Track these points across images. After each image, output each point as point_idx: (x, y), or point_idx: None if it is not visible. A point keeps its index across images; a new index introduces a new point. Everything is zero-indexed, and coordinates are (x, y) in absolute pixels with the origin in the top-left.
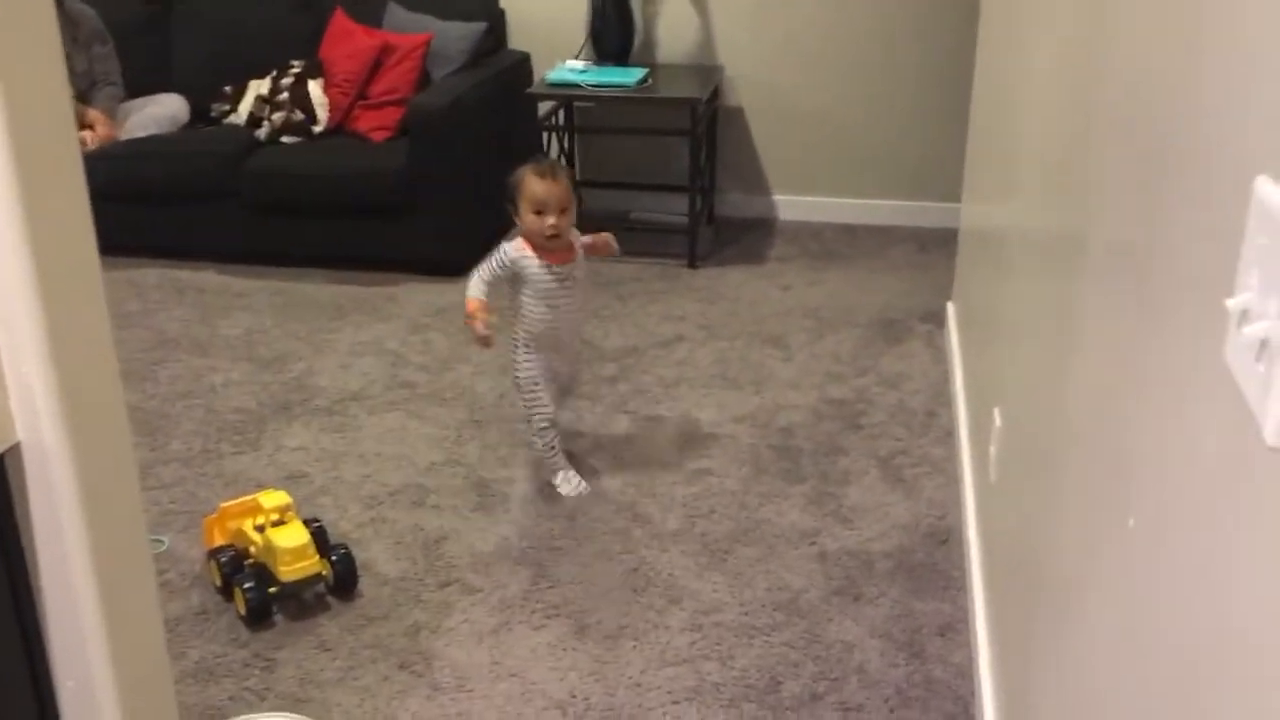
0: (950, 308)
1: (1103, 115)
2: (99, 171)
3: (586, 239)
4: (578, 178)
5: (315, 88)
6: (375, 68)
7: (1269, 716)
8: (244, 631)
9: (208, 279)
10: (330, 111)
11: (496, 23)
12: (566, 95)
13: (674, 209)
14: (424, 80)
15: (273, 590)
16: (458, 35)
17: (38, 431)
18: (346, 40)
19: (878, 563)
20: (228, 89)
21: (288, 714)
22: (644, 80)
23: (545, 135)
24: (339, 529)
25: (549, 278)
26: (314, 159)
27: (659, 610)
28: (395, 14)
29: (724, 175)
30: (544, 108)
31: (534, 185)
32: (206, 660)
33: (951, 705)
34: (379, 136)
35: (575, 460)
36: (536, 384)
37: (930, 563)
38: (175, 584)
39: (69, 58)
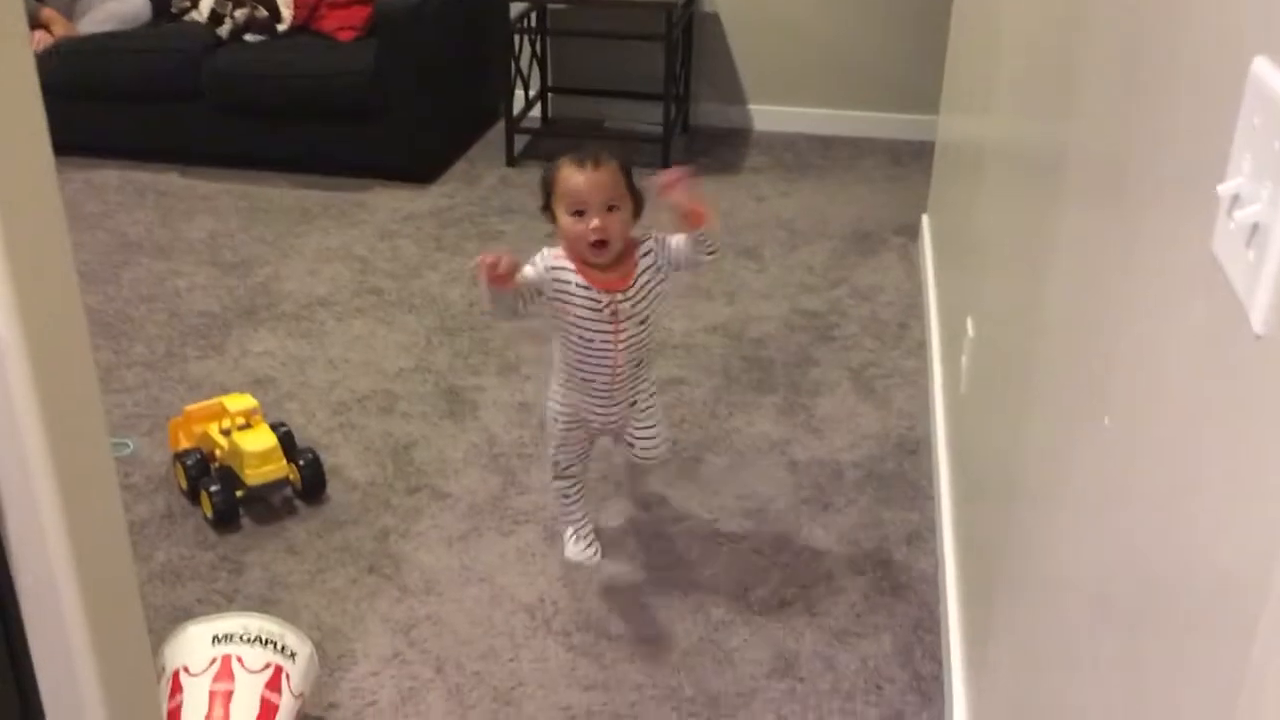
0: (925, 220)
1: (1086, 15)
2: (56, 69)
3: (679, 195)
4: (549, 83)
5: None
6: None
7: (1242, 608)
8: (211, 534)
9: (170, 181)
10: (295, 9)
11: None
12: None
13: (648, 118)
14: None
15: (239, 493)
16: None
17: None
18: None
19: (847, 472)
20: None
21: (256, 614)
22: None
23: (517, 38)
24: (306, 434)
25: (587, 305)
26: (277, 58)
27: (629, 517)
28: None
29: (699, 83)
30: (516, 9)
31: (570, 177)
32: (173, 562)
33: (918, 610)
34: (345, 36)
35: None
36: (557, 421)
37: (899, 472)
38: (141, 487)
39: None
